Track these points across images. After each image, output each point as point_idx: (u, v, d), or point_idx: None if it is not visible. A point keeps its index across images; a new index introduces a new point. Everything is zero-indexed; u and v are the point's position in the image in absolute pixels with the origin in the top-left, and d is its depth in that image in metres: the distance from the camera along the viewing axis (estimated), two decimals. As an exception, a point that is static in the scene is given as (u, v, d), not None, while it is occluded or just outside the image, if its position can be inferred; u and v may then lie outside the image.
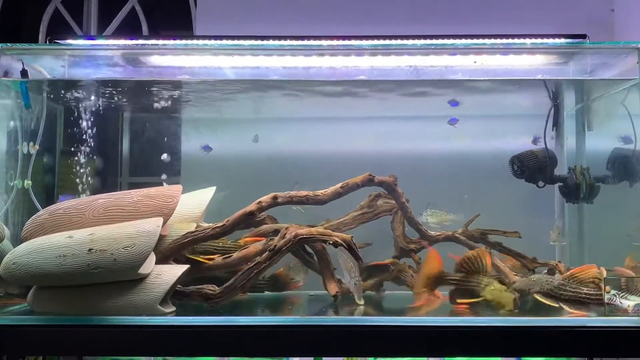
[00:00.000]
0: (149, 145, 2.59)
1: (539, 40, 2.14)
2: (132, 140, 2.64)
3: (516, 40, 2.14)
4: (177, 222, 2.08)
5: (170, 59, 2.28)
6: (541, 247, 2.34)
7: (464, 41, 2.12)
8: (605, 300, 1.81)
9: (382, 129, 2.55)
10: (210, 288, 1.93)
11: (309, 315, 1.99)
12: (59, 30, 3.00)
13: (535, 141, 2.40)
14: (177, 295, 1.92)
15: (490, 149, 2.53)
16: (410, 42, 2.10)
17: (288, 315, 2.01)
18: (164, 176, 2.52)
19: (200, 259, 2.05)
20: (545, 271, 2.18)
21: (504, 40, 2.13)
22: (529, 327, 1.77)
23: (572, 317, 1.91)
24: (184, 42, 2.17)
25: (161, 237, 1.94)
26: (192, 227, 2.06)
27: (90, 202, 1.98)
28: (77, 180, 2.43)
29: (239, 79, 2.32)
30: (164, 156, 2.51)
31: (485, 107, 2.54)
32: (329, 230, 2.03)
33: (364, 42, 2.11)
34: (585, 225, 2.42)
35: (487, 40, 2.13)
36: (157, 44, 2.20)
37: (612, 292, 1.80)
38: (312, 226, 2.12)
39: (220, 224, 2.02)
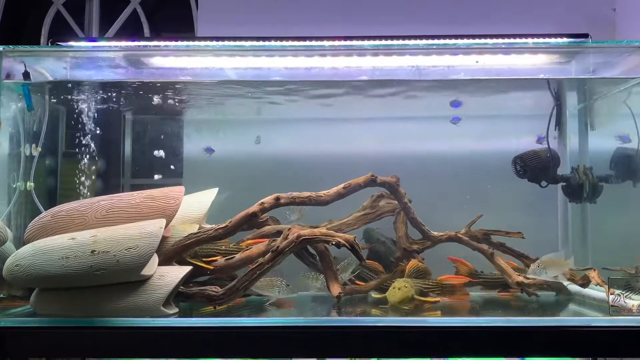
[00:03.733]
0: (151, 147, 2.59)
1: (541, 40, 2.14)
2: (134, 142, 2.64)
3: (518, 40, 2.14)
4: (180, 223, 2.08)
5: (172, 60, 2.28)
6: (544, 247, 2.33)
7: (465, 41, 2.12)
8: (610, 301, 1.80)
9: (384, 130, 2.55)
10: (214, 289, 1.93)
11: (311, 317, 1.99)
12: (60, 33, 3.01)
13: (539, 141, 2.39)
14: (180, 297, 1.92)
15: (493, 149, 2.53)
16: (412, 42, 2.10)
17: (291, 317, 2.00)
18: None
19: (201, 264, 2.04)
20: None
21: (506, 40, 2.13)
22: (532, 327, 1.77)
23: (576, 318, 1.91)
24: (185, 43, 2.17)
25: (164, 239, 1.94)
26: (195, 228, 2.06)
27: (93, 204, 1.98)
28: (79, 182, 2.43)
29: (241, 79, 2.32)
30: (160, 153, 2.51)
31: (487, 107, 2.53)
32: (332, 231, 2.03)
33: (366, 43, 2.11)
34: (588, 225, 2.41)
35: (489, 40, 2.13)
36: (159, 46, 2.20)
37: (617, 292, 1.80)
38: (315, 227, 2.12)
39: (223, 225, 2.02)
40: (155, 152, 2.52)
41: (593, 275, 2.07)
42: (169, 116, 2.61)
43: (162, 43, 2.19)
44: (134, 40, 2.27)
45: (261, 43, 2.12)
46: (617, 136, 2.17)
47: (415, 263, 2.13)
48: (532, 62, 2.27)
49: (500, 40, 2.12)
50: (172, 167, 2.56)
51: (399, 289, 2.00)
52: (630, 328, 1.74)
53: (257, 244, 2.12)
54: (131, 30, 3.05)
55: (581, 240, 2.45)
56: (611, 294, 1.81)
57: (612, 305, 1.80)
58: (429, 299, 2.03)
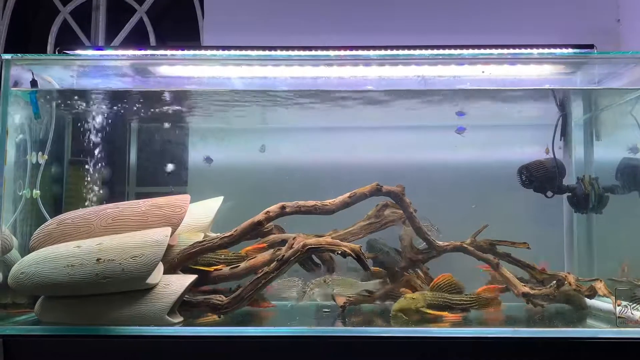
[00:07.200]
0: (156, 155, 2.60)
1: (546, 50, 2.15)
2: (139, 150, 2.64)
3: (523, 50, 2.15)
4: (185, 231, 2.08)
5: (178, 69, 2.29)
6: (550, 257, 2.32)
7: (471, 51, 2.13)
8: (617, 313, 1.79)
9: (389, 139, 2.55)
10: (218, 298, 1.93)
11: (317, 327, 1.98)
12: (66, 41, 3.02)
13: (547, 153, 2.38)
14: (185, 306, 1.91)
15: (499, 159, 2.53)
16: (418, 52, 2.11)
17: (293, 327, 1.99)
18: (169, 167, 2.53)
19: (205, 268, 2.03)
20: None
21: (512, 50, 2.14)
22: (539, 338, 1.76)
23: (582, 329, 1.90)
24: (192, 52, 2.18)
25: (169, 247, 1.94)
26: (200, 236, 2.06)
27: (99, 212, 1.98)
28: (85, 189, 2.44)
29: (247, 89, 2.33)
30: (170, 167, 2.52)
31: (492, 117, 2.54)
32: (338, 240, 2.02)
33: (372, 53, 2.12)
34: (594, 236, 2.41)
35: (494, 50, 2.13)
36: (166, 54, 2.22)
37: (624, 303, 1.79)
38: (320, 236, 2.12)
39: (228, 233, 2.02)
40: (169, 166, 2.53)
41: (599, 286, 2.05)
42: (175, 124, 2.61)
43: (169, 52, 2.21)
44: (140, 49, 2.28)
45: (267, 52, 2.13)
46: (629, 149, 2.16)
47: (446, 277, 2.10)
48: (538, 72, 2.27)
49: (505, 51, 2.13)
50: (177, 175, 2.57)
51: (410, 298, 1.99)
52: (637, 340, 1.73)
53: (260, 252, 2.12)
54: (137, 39, 3.06)
55: (587, 250, 2.44)
56: (618, 305, 1.80)
57: (619, 317, 1.79)
58: (439, 312, 1.99)
